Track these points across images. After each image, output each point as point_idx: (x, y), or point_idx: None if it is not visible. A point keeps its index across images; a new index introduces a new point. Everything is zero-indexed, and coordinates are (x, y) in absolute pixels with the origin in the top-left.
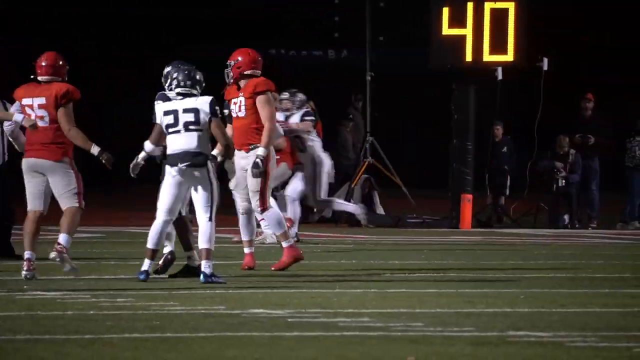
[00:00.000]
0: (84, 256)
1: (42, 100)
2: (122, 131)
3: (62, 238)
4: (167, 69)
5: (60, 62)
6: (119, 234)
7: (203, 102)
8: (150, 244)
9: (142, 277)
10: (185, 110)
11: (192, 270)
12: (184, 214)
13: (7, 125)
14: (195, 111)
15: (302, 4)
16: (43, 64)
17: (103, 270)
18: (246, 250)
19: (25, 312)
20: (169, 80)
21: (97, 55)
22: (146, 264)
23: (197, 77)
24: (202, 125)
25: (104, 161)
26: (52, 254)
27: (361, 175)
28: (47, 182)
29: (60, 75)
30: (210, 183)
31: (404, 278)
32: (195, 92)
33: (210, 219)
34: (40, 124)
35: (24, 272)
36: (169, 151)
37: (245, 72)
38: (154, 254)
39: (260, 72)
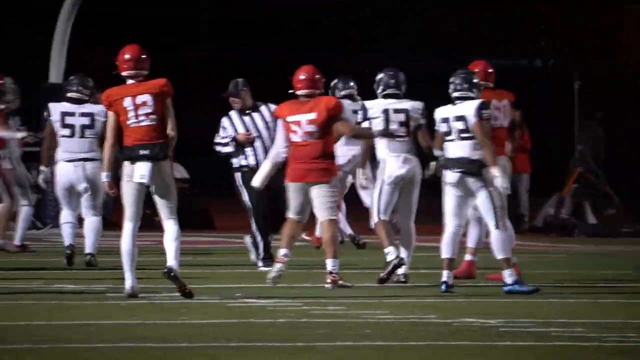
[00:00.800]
0: (297, 264)
1: (312, 116)
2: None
3: (331, 263)
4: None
5: (317, 76)
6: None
7: (469, 108)
8: (446, 254)
9: (443, 288)
10: (457, 119)
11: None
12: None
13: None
14: (462, 119)
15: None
16: (302, 77)
17: (314, 278)
18: (467, 257)
19: (237, 319)
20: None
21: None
22: (445, 275)
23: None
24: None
25: None
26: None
27: (572, 185)
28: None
29: (318, 89)
30: (486, 189)
31: (617, 289)
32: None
33: (496, 227)
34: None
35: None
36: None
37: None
38: (451, 263)
39: None
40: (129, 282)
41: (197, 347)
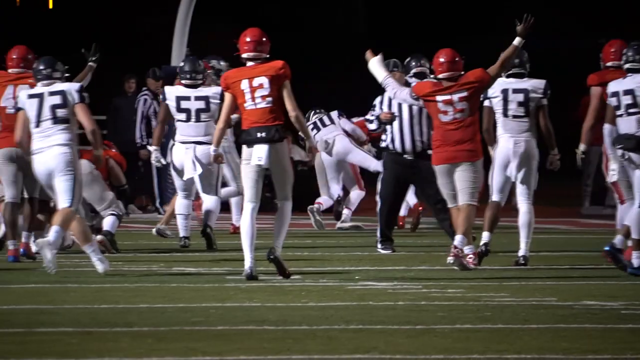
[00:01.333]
0: (414, 245)
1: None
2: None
3: (459, 239)
4: None
5: (457, 59)
6: None
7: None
8: (636, 234)
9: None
10: (626, 92)
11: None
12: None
13: None
14: (630, 92)
15: None
16: (442, 60)
17: (434, 261)
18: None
19: (357, 302)
20: None
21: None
22: (634, 256)
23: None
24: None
25: None
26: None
27: None
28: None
29: (459, 71)
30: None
31: None
32: None
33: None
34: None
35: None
36: None
37: None
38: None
39: None
40: (247, 263)
41: (317, 330)
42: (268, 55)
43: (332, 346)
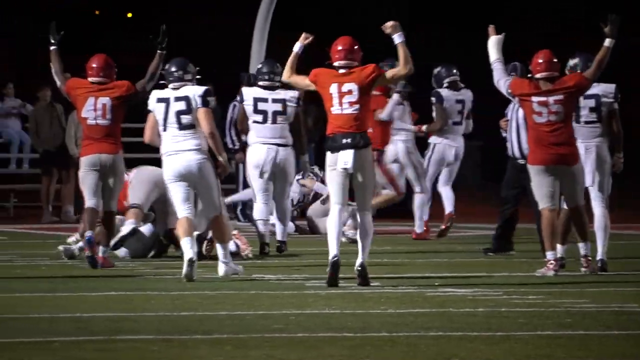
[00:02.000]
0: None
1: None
2: None
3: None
4: None
5: (555, 60)
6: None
7: None
8: None
9: None
10: None
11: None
12: None
13: None
14: None
15: None
16: (540, 61)
17: (514, 267)
18: None
19: (436, 309)
20: None
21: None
22: None
23: None
24: None
25: None
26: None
27: None
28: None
29: (557, 71)
30: None
31: None
32: None
33: None
34: None
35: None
36: None
37: None
38: None
39: None
40: (333, 252)
41: (396, 337)
42: (358, 64)
43: (411, 353)
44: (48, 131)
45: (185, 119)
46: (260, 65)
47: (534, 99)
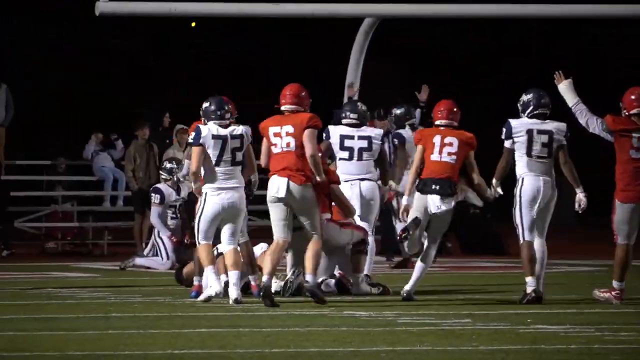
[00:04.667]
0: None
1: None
2: None
3: None
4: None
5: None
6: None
7: None
8: None
9: None
10: None
11: None
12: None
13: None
14: None
15: None
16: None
17: (606, 304)
18: None
19: (528, 345)
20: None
21: None
22: None
23: None
24: None
25: None
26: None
27: None
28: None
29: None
30: None
31: None
32: None
33: None
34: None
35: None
36: None
37: None
38: None
39: None
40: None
41: None
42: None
43: None
44: (144, 169)
45: (239, 155)
46: (345, 103)
47: (635, 134)
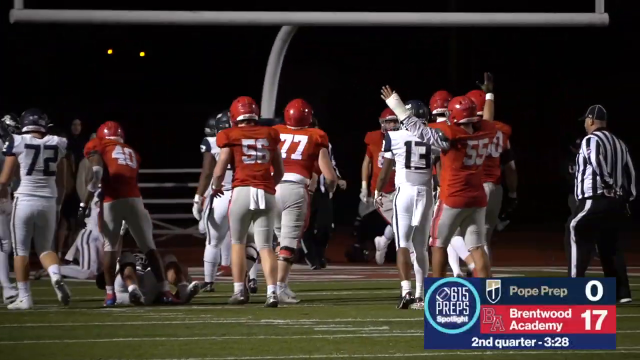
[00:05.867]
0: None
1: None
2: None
3: None
4: None
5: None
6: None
7: None
8: None
9: None
10: None
11: None
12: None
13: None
14: None
15: None
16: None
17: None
18: None
19: (444, 352)
20: None
21: None
22: None
23: None
24: None
25: None
26: None
27: None
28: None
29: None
30: None
31: None
32: None
33: None
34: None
35: None
36: None
37: None
38: None
39: None
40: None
41: None
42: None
43: None
44: None
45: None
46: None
47: (470, 142)
